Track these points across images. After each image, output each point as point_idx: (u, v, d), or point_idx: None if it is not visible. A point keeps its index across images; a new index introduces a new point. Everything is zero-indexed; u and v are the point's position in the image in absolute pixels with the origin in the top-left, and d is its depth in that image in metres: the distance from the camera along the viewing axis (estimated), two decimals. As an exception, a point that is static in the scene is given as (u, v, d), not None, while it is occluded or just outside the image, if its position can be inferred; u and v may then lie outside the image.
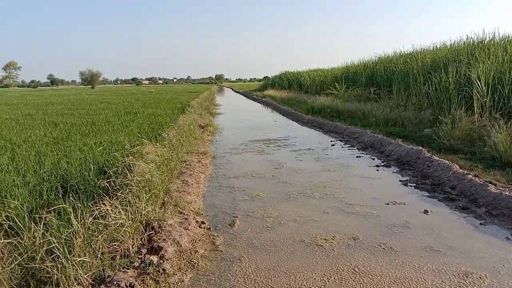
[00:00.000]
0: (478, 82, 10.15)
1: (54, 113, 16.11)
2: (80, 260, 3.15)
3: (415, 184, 6.43)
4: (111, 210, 3.83)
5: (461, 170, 6.37)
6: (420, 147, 8.07)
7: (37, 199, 4.57)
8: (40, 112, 16.72)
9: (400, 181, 6.68)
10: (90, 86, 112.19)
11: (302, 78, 36.38)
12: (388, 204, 5.48)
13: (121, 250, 3.61)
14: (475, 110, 9.99)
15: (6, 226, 3.72)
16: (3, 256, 3.14)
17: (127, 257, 3.56)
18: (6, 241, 3.32)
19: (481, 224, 4.69)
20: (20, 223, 3.63)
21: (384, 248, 4.07)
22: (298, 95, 29.27)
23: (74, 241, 3.27)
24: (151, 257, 3.56)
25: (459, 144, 8.38)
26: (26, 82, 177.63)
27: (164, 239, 3.93)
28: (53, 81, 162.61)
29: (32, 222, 3.57)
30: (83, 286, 3.07)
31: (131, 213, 4.05)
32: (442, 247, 4.07)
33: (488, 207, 5.10)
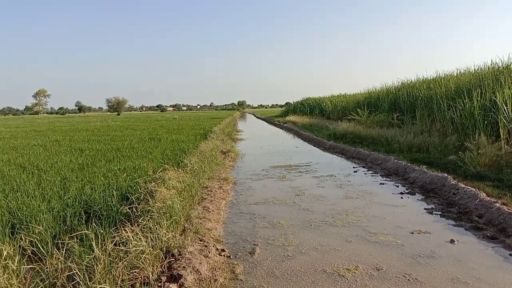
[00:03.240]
0: (505, 107, 9.95)
1: (80, 139, 16.53)
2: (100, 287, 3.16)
3: (440, 212, 6.26)
4: (132, 236, 3.85)
5: (488, 198, 6.18)
6: (446, 174, 7.89)
7: (60, 224, 4.64)
8: (67, 138, 17.18)
9: (425, 209, 6.51)
10: (116, 113, 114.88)
11: (324, 104, 36.45)
12: (412, 233, 5.34)
13: (141, 277, 3.61)
14: (502, 136, 9.76)
15: (29, 252, 3.79)
16: (26, 282, 3.18)
17: (146, 285, 3.55)
18: (29, 266, 3.37)
19: (510, 255, 4.50)
20: (43, 248, 3.69)
21: (409, 279, 3.94)
22: (319, 121, 29.28)
23: (95, 268, 3.29)
24: (170, 285, 3.54)
25: (485, 171, 8.17)
26: (55, 109, 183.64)
27: (184, 267, 3.91)
28: (80, 108, 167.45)
29: (55, 247, 3.63)
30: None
31: (152, 239, 4.07)
32: (469, 278, 3.92)
33: (518, 237, 4.90)
